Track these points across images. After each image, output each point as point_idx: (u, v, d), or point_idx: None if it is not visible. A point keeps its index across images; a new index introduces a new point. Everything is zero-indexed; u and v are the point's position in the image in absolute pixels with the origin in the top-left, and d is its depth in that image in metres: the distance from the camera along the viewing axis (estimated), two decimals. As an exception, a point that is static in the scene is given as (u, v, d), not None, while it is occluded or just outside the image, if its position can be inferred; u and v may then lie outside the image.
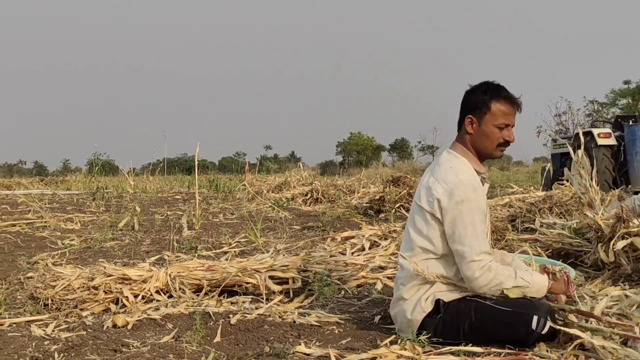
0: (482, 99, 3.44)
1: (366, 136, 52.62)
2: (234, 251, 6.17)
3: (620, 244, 4.80)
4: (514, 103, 3.46)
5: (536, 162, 38.70)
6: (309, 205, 11.00)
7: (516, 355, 3.11)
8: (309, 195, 11.51)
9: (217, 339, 3.56)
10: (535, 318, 3.17)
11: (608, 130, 14.42)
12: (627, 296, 4.37)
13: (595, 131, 14.30)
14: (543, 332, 3.17)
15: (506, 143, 3.48)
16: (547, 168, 15.02)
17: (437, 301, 3.35)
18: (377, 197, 9.63)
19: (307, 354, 3.23)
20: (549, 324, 3.18)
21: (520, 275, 3.29)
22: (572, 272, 4.50)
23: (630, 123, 14.71)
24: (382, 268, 5.12)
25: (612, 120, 15.88)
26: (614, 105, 42.27)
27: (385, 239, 6.14)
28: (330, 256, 5.24)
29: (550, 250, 5.67)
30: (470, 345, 3.25)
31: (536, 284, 3.31)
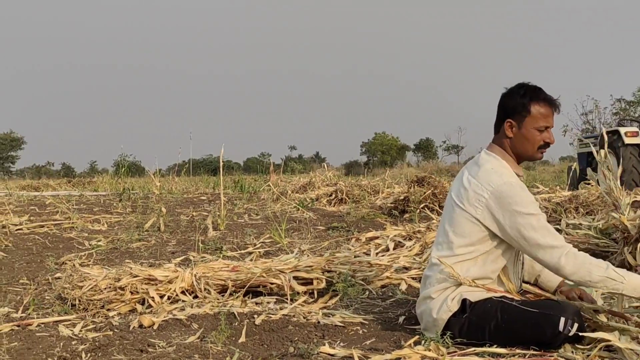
0: (522, 102, 3.42)
1: (391, 136, 52.56)
2: (259, 252, 6.20)
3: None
4: (553, 104, 3.45)
5: (562, 161, 38.42)
6: (334, 206, 11.00)
7: (541, 357, 3.10)
8: (334, 195, 11.50)
9: (242, 339, 3.58)
10: (562, 320, 3.14)
11: (635, 129, 14.27)
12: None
13: (623, 130, 14.15)
14: (570, 334, 3.14)
15: (546, 145, 3.47)
16: (573, 168, 14.90)
17: (464, 301, 3.34)
18: (402, 198, 9.60)
19: (332, 355, 3.24)
20: (576, 325, 3.15)
21: (612, 268, 3.26)
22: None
23: (659, 121, 14.56)
24: (406, 269, 5.12)
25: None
26: (642, 103, 41.78)
27: (410, 239, 6.14)
28: (355, 257, 5.24)
29: (578, 248, 5.63)
30: (495, 346, 3.24)
31: (631, 282, 3.26)
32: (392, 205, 9.71)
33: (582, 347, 3.15)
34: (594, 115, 32.78)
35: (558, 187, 11.38)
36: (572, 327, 3.13)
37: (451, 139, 53.16)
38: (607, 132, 14.84)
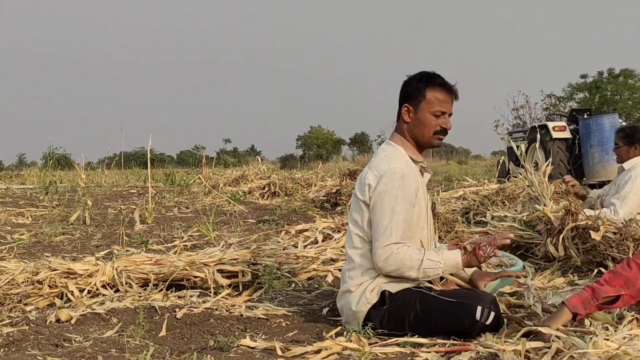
0: (417, 87, 3.43)
1: (326, 130, 52.66)
2: (186, 245, 6.11)
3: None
4: (449, 90, 3.45)
5: (495, 155, 39.05)
6: (266, 199, 10.94)
7: (461, 345, 3.12)
8: (266, 188, 11.43)
9: (162, 333, 3.51)
10: (479, 309, 3.18)
11: (563, 123, 14.59)
12: (577, 285, 4.46)
13: (551, 124, 14.46)
14: (487, 322, 3.17)
15: (443, 131, 3.46)
16: (501, 161, 15.16)
17: (383, 292, 3.34)
18: (334, 191, 9.63)
19: (252, 347, 3.20)
20: (492, 314, 3.19)
21: (428, 257, 3.27)
22: (520, 264, 4.54)
23: (585, 116, 14.91)
24: (333, 260, 5.10)
25: (568, 113, 16.07)
26: (571, 99, 42.82)
27: (339, 231, 6.13)
28: (283, 249, 5.22)
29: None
30: (416, 336, 3.25)
31: (448, 261, 3.31)
32: (325, 198, 9.72)
33: (503, 335, 3.19)
34: (525, 110, 33.37)
35: (486, 180, 11.57)
36: (489, 315, 3.17)
37: (386, 133, 53.32)
38: (536, 127, 15.14)
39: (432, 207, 3.67)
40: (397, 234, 3.29)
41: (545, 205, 5.44)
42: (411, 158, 3.47)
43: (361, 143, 55.92)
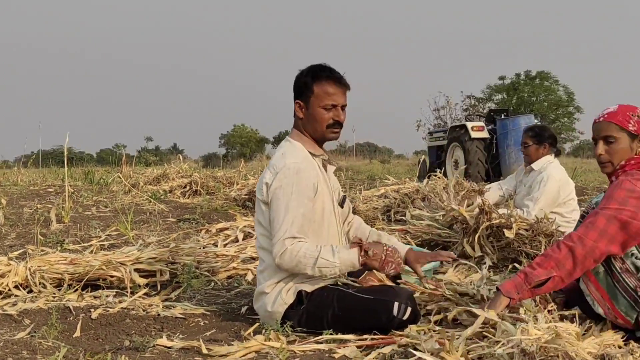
0: (305, 82, 3.44)
1: (250, 128, 52.38)
2: (103, 245, 5.98)
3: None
4: (338, 82, 3.45)
5: (417, 155, 39.70)
6: (188, 198, 10.81)
7: (383, 339, 3.15)
8: (188, 187, 11.29)
9: (77, 334, 3.44)
10: (396, 304, 3.22)
11: (481, 123, 14.95)
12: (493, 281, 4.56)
13: (470, 125, 14.80)
14: (404, 317, 3.22)
15: (336, 124, 3.47)
16: (422, 160, 15.41)
17: (300, 292, 3.35)
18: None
19: (169, 347, 3.16)
20: (409, 309, 3.24)
21: (322, 256, 3.22)
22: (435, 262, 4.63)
23: (502, 117, 15.31)
24: (253, 259, 5.08)
25: (486, 114, 16.46)
26: (490, 100, 43.90)
27: (260, 230, 6.11)
28: (202, 247, 5.17)
29: (420, 240, 5.80)
30: (337, 332, 3.27)
31: (345, 260, 3.25)
32: (247, 196, 9.66)
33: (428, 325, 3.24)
34: (446, 110, 33.98)
35: (407, 179, 11.73)
36: (405, 311, 3.22)
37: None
38: (456, 127, 15.48)
39: (341, 200, 3.67)
40: (293, 228, 3.25)
41: (460, 204, 5.56)
42: (311, 153, 3.48)
43: (285, 142, 55.64)
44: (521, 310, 3.04)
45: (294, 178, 3.30)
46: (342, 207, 3.67)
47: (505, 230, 4.96)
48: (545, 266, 3.07)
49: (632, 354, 2.87)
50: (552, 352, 2.62)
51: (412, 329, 3.19)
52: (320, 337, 3.23)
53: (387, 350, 3.00)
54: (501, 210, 5.30)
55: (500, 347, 2.67)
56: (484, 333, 2.95)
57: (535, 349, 2.61)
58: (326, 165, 3.57)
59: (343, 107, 3.48)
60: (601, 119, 3.34)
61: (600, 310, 3.20)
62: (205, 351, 3.05)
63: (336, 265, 3.23)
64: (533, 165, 6.09)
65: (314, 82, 3.42)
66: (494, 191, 6.50)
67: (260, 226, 3.47)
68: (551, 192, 5.87)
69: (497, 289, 3.15)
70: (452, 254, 3.71)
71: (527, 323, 2.84)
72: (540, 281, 3.07)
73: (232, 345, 3.15)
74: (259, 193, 3.45)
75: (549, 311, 3.19)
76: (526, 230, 4.96)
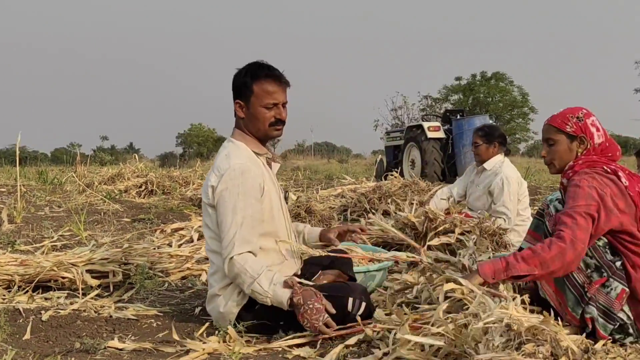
0: (244, 82, 3.42)
1: (207, 127, 51.96)
2: (55, 245, 5.89)
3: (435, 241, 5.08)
4: (277, 80, 3.44)
5: (374, 154, 39.85)
6: (143, 197, 10.71)
7: (351, 329, 3.16)
8: (143, 187, 11.19)
9: (27, 336, 3.38)
10: (350, 300, 3.25)
11: (437, 123, 15.06)
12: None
13: (426, 125, 14.90)
14: (359, 312, 3.24)
15: (279, 121, 3.46)
16: (379, 159, 15.48)
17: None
18: (212, 189, 9.53)
19: (120, 349, 3.13)
20: (364, 304, 3.27)
21: (259, 282, 3.19)
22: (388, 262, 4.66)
23: (458, 117, 15.44)
24: (208, 259, 5.05)
25: (442, 114, 16.60)
26: (447, 100, 44.25)
27: (215, 230, 6.08)
28: (156, 248, 5.13)
29: (376, 240, 5.83)
30: (290, 332, 3.27)
31: (277, 297, 3.18)
32: (202, 196, 9.61)
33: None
34: (403, 110, 34.26)
35: (364, 179, 11.78)
36: (360, 306, 3.25)
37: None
38: (412, 127, 15.59)
39: (285, 196, 3.68)
40: (242, 230, 3.25)
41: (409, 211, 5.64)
42: (255, 152, 3.47)
43: (243, 141, 55.35)
44: (501, 287, 3.07)
45: (239, 179, 3.29)
46: (286, 201, 3.67)
47: (447, 236, 5.06)
48: (530, 263, 3.04)
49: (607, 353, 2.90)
50: (541, 335, 2.62)
51: (379, 314, 3.21)
52: (272, 337, 3.24)
53: (352, 341, 3.03)
54: (473, 213, 5.40)
55: (483, 321, 2.65)
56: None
57: (524, 329, 2.61)
58: (270, 163, 3.56)
59: (284, 105, 3.47)
60: (545, 122, 3.44)
61: (553, 304, 3.26)
62: (172, 351, 3.04)
63: (268, 296, 3.19)
64: (485, 165, 6.16)
65: (254, 81, 3.40)
66: (442, 195, 6.55)
67: (208, 229, 3.45)
68: (515, 193, 5.96)
69: (477, 266, 3.15)
70: (363, 226, 3.77)
71: (506, 301, 2.86)
72: (519, 275, 3.08)
73: (185, 346, 3.13)
74: (204, 196, 3.42)
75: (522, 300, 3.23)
76: (468, 232, 5.04)
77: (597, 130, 3.36)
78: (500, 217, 5.76)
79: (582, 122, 3.35)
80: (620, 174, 3.26)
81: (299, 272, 3.57)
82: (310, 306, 3.12)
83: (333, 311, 3.16)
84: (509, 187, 5.92)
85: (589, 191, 3.15)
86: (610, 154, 3.36)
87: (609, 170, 3.27)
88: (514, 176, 6.01)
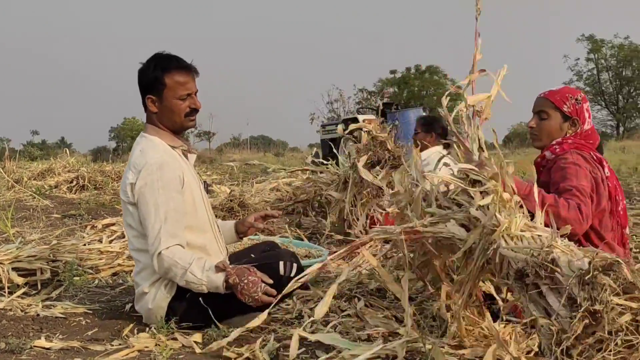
0: (155, 76, 3.35)
1: (140, 122, 51.22)
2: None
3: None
4: (188, 70, 3.41)
5: (311, 148, 39.95)
6: (74, 193, 10.52)
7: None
8: (75, 182, 11.00)
9: (-53, 338, 3.27)
10: (281, 264, 3.28)
11: (372, 116, 15.20)
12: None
13: (360, 117, 15.01)
14: (292, 274, 3.23)
15: (193, 111, 3.44)
16: (314, 153, 15.50)
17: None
18: (145, 184, 9.44)
19: (47, 348, 3.06)
20: (295, 265, 3.31)
21: (191, 271, 3.16)
22: (326, 254, 4.69)
23: (393, 110, 15.61)
24: (138, 256, 4.99)
25: (377, 107, 16.75)
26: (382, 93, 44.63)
27: (147, 225, 5.99)
28: (86, 244, 5.04)
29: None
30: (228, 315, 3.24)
31: (211, 282, 3.16)
32: (136, 191, 9.50)
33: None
34: (339, 104, 34.48)
35: (299, 172, 11.77)
36: (292, 268, 3.28)
37: (202, 126, 53.00)
38: (347, 120, 15.67)
39: (205, 187, 3.66)
40: (167, 225, 3.21)
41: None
42: (170, 145, 3.42)
43: (177, 135, 54.83)
44: None
45: (157, 173, 3.24)
46: (207, 192, 3.65)
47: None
48: (548, 201, 2.97)
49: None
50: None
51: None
52: (204, 329, 3.21)
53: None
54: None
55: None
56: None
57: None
58: (187, 154, 3.53)
59: (196, 94, 3.45)
60: (542, 94, 3.46)
61: None
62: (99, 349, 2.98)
63: (203, 283, 3.16)
64: (422, 154, 6.24)
65: (165, 74, 3.34)
66: None
67: (131, 229, 3.39)
68: None
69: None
70: (277, 212, 3.82)
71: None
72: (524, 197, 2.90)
73: (114, 344, 3.08)
74: (123, 195, 3.35)
75: None
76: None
77: (589, 116, 3.44)
78: None
79: (579, 105, 3.39)
80: (605, 163, 3.34)
81: None
82: (246, 281, 3.11)
83: (270, 281, 3.16)
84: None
85: (587, 173, 3.18)
86: (592, 142, 3.43)
87: (594, 157, 3.34)
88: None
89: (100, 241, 5.52)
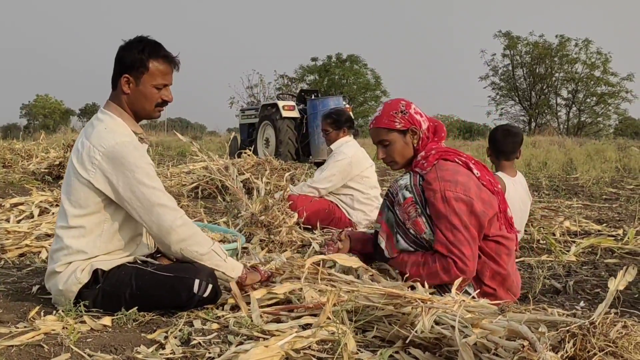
0: (140, 58, 3.28)
1: (54, 99, 49.93)
2: None
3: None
4: (172, 62, 3.37)
5: (229, 132, 39.69)
6: (-19, 171, 10.14)
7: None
8: (-18, 160, 10.62)
9: None
10: (196, 282, 3.16)
11: (292, 103, 15.15)
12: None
13: (281, 103, 14.95)
14: (205, 295, 3.17)
15: (164, 103, 3.39)
16: (232, 137, 15.41)
17: (95, 271, 3.21)
18: (57, 163, 9.24)
19: (-56, 334, 2.93)
20: (210, 286, 3.20)
21: (218, 246, 3.32)
22: (243, 239, 4.66)
23: (313, 97, 15.60)
24: (48, 236, 4.84)
25: (297, 94, 16.71)
26: (302, 80, 44.75)
27: (57, 205, 5.84)
28: (-9, 224, 4.86)
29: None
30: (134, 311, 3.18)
31: (231, 262, 3.34)
32: (47, 170, 9.26)
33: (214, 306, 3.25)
34: (259, 89, 34.30)
35: (217, 156, 11.67)
36: (206, 288, 3.17)
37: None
38: (267, 105, 15.59)
39: None
40: (169, 196, 3.27)
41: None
42: (132, 130, 3.34)
43: (92, 114, 53.63)
44: None
45: (136, 153, 3.20)
46: None
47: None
48: (418, 272, 3.27)
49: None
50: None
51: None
52: (114, 316, 3.14)
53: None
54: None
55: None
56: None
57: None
58: (142, 142, 3.44)
59: (169, 86, 3.40)
60: (371, 126, 3.51)
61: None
62: None
63: (226, 260, 3.33)
64: (332, 147, 6.33)
65: (150, 59, 3.27)
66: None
67: (70, 205, 3.25)
68: (339, 166, 6.10)
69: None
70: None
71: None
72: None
73: (19, 327, 2.98)
74: (83, 171, 3.20)
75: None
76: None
77: (421, 116, 3.47)
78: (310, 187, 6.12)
79: (407, 115, 3.43)
80: (471, 165, 3.38)
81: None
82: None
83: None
84: (335, 160, 6.12)
85: (459, 206, 3.22)
86: (442, 134, 3.49)
87: (460, 162, 3.37)
88: (348, 153, 6.16)
89: (7, 221, 5.34)
